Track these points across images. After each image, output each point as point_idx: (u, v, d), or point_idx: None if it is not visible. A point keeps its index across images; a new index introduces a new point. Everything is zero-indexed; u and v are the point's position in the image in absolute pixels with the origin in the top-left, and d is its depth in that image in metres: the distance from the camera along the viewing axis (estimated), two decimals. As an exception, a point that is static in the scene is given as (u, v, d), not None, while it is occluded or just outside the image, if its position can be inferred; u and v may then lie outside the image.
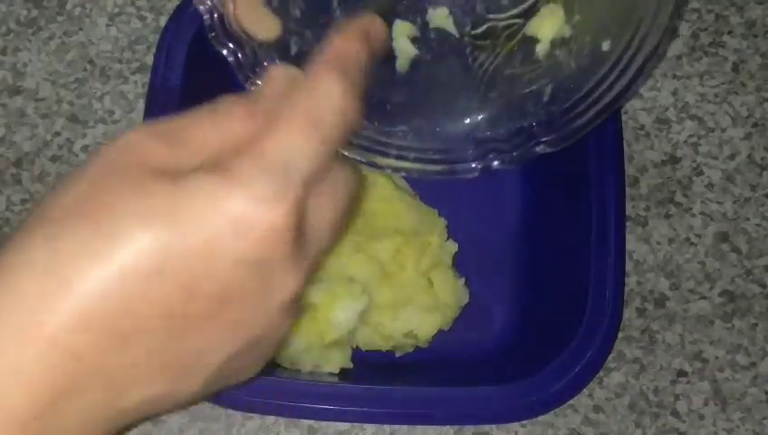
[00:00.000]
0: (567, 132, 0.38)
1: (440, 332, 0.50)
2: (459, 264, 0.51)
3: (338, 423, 0.50)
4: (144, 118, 0.47)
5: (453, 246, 0.51)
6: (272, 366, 0.47)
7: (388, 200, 0.50)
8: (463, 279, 0.51)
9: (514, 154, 0.39)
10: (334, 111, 0.27)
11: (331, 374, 0.47)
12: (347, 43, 0.29)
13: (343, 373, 0.48)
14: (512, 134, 0.40)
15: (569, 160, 0.49)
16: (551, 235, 0.52)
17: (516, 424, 0.50)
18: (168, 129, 0.27)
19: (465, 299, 0.51)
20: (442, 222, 0.52)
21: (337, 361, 0.48)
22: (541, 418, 0.50)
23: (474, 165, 0.39)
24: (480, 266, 0.53)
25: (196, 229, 0.24)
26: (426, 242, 0.50)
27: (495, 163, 0.39)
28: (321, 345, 0.47)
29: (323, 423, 0.50)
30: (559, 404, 0.43)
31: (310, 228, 0.27)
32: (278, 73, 0.29)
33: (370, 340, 0.49)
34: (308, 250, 0.28)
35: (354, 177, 0.30)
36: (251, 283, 0.26)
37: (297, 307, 0.29)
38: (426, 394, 0.43)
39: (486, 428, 0.50)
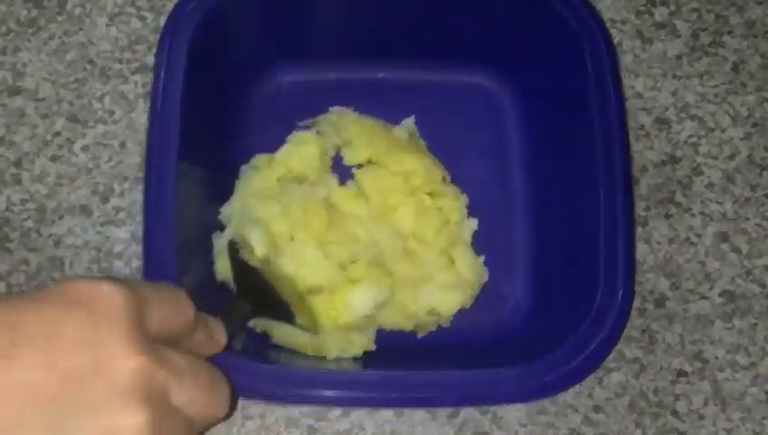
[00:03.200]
0: None
1: (458, 312, 0.50)
2: (472, 246, 0.52)
3: (338, 423, 0.50)
4: (150, 117, 0.47)
5: (473, 224, 0.51)
6: (295, 354, 0.48)
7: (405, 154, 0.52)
8: (482, 257, 0.51)
9: None
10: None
11: (355, 358, 0.48)
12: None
13: (366, 358, 0.48)
14: None
15: (578, 149, 0.49)
16: (563, 216, 0.52)
17: (516, 424, 0.50)
18: None
19: (485, 277, 0.51)
20: (464, 199, 0.52)
21: (360, 344, 0.48)
22: (541, 418, 0.50)
23: None
24: (492, 249, 0.53)
25: None
26: (445, 218, 0.51)
27: None
28: (340, 329, 0.48)
29: (323, 423, 0.50)
30: (573, 384, 0.43)
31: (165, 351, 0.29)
32: None
33: (394, 319, 0.50)
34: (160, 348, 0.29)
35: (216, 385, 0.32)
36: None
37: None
38: (441, 378, 0.43)
39: (487, 427, 0.50)
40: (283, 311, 0.47)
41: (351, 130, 0.53)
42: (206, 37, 0.48)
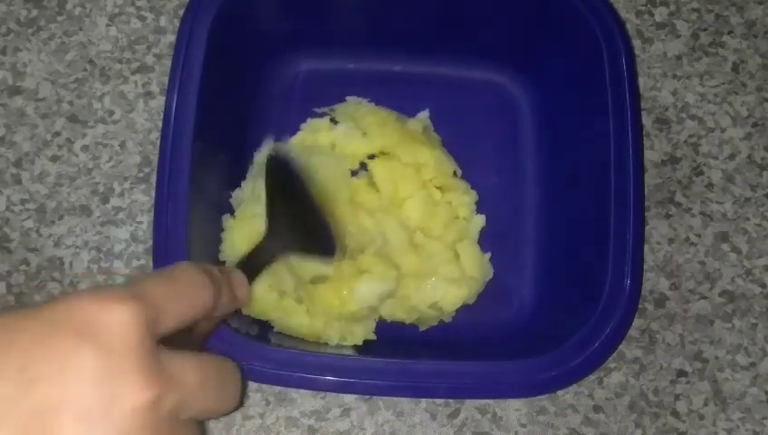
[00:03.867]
0: None
1: (461, 308, 0.50)
2: (481, 241, 0.52)
3: (338, 423, 0.50)
4: (167, 101, 0.47)
5: (480, 221, 0.52)
6: (297, 340, 0.48)
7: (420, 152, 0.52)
8: (488, 254, 0.51)
9: None
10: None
11: (356, 347, 0.48)
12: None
13: (366, 348, 0.48)
14: None
15: (591, 148, 0.49)
16: (572, 214, 0.52)
17: (516, 424, 0.50)
18: None
19: (490, 274, 0.52)
20: (473, 195, 0.52)
21: (361, 333, 0.49)
22: (541, 418, 0.50)
23: None
24: (501, 245, 0.53)
25: None
26: (454, 213, 0.51)
27: None
28: (342, 318, 0.48)
29: (323, 423, 0.50)
30: (578, 379, 0.44)
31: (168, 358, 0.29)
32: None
33: (394, 311, 0.50)
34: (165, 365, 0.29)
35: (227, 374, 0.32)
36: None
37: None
38: (445, 368, 0.44)
39: (486, 428, 0.50)
40: (324, 240, 0.47)
41: (366, 120, 0.53)
42: (225, 23, 0.48)
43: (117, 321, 0.27)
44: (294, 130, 0.54)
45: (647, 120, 0.56)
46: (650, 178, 0.55)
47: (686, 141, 0.56)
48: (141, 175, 0.54)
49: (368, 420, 0.50)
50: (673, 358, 0.52)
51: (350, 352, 0.48)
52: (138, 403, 0.27)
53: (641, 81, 0.57)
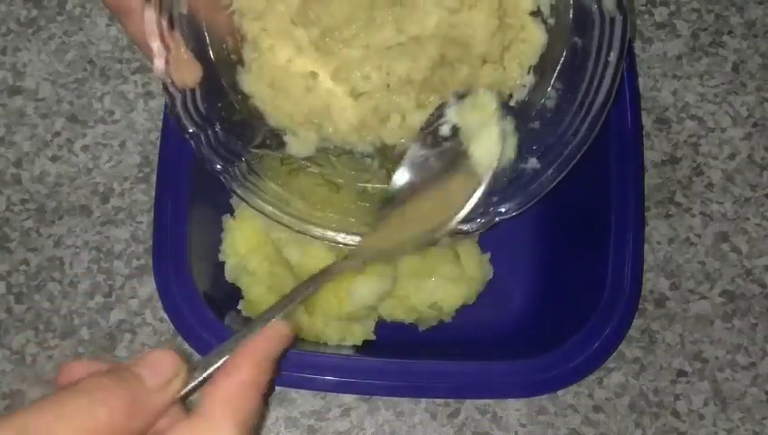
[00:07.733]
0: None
1: (461, 308, 0.50)
2: (481, 241, 0.52)
3: (338, 423, 0.50)
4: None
5: None
6: (296, 340, 0.48)
7: None
8: (488, 254, 0.52)
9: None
10: None
11: (356, 347, 0.48)
12: (242, 379, 0.31)
13: (366, 348, 0.48)
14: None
15: (591, 148, 0.49)
16: (571, 215, 0.52)
17: (516, 424, 0.50)
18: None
19: (490, 274, 0.52)
20: None
21: (360, 333, 0.49)
22: (541, 417, 0.50)
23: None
24: (501, 244, 0.53)
25: None
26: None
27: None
28: (341, 318, 0.48)
29: (323, 423, 0.50)
30: (578, 379, 0.44)
31: None
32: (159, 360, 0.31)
33: (394, 311, 0.50)
34: None
35: None
36: None
37: None
38: (445, 368, 0.44)
39: (486, 427, 0.50)
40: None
41: None
42: None
43: None
44: None
45: (647, 121, 0.56)
46: (650, 178, 0.55)
47: (686, 141, 0.56)
48: (141, 175, 0.54)
49: (368, 420, 0.50)
50: (673, 358, 0.52)
51: (349, 352, 0.48)
52: None
53: (641, 81, 0.57)
